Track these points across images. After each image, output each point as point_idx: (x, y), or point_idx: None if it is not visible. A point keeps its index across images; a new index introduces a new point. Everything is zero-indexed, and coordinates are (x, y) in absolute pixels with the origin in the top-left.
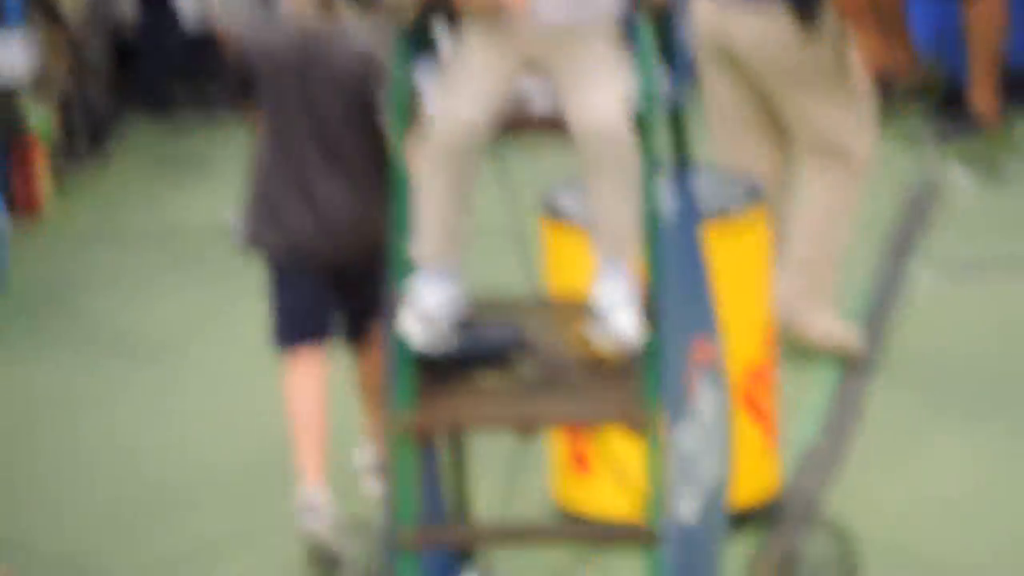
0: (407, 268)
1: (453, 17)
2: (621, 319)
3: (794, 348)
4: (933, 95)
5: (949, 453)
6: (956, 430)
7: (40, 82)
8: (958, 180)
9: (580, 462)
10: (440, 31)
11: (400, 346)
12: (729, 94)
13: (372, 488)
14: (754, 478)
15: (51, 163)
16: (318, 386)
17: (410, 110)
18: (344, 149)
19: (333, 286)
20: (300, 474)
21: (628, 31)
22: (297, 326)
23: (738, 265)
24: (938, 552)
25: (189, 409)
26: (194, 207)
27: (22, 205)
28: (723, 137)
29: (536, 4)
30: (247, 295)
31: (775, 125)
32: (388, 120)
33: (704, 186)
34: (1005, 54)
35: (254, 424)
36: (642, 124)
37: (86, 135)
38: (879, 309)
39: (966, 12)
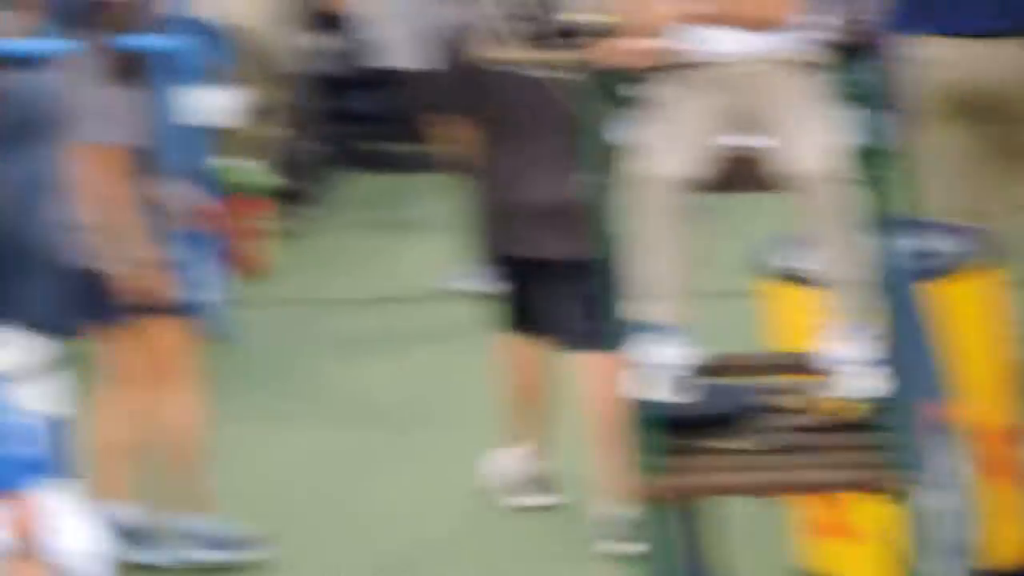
0: (628, 329)
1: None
2: (866, 380)
3: None
4: None
5: None
6: None
7: (257, 140)
8: None
9: (835, 528)
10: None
11: (643, 408)
12: (961, 142)
13: (521, 500)
14: (1011, 541)
15: (272, 223)
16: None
17: (606, 163)
18: (554, 154)
19: (549, 281)
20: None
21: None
22: (522, 317)
23: (973, 321)
24: None
25: (429, 476)
26: (414, 268)
27: (243, 266)
28: (943, 188)
29: (709, 46)
30: (474, 359)
31: (1010, 172)
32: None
33: (928, 240)
34: None
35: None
36: (869, 172)
37: (303, 194)
38: None
39: None
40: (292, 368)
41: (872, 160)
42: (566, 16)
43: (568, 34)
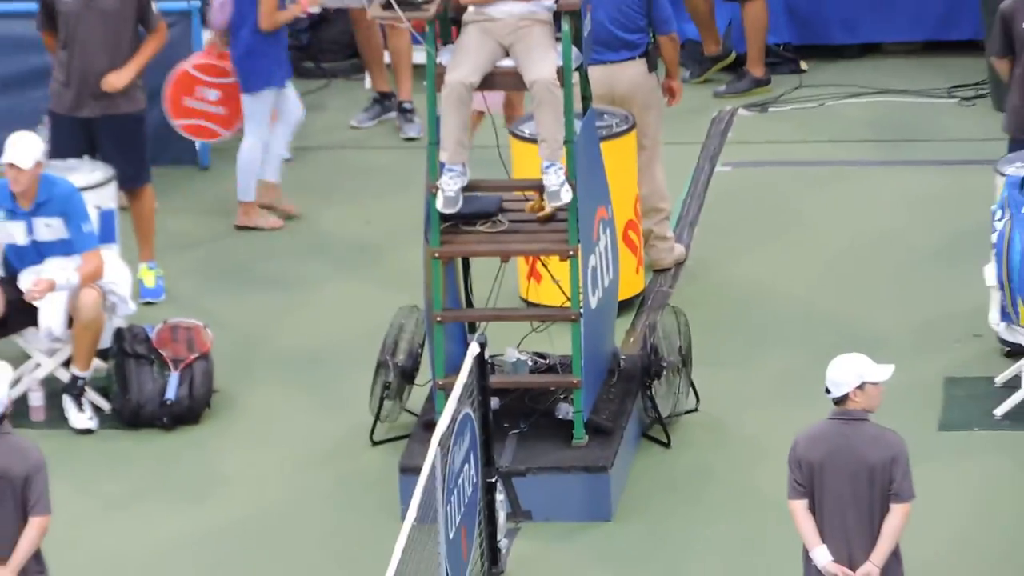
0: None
1: (459, 19)
2: (564, 193)
3: None
4: (728, 63)
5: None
6: None
7: None
8: (742, 112)
9: (534, 275)
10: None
11: (433, 209)
12: None
13: None
14: (630, 283)
15: None
16: None
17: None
18: None
19: None
20: None
21: (556, 23)
22: None
23: (618, 167)
24: None
25: None
26: None
27: None
28: None
29: (503, 8)
30: None
31: None
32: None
33: (600, 119)
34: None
35: None
36: (564, 80)
37: None
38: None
39: (744, 12)
40: None
41: (569, 73)
42: None
43: None
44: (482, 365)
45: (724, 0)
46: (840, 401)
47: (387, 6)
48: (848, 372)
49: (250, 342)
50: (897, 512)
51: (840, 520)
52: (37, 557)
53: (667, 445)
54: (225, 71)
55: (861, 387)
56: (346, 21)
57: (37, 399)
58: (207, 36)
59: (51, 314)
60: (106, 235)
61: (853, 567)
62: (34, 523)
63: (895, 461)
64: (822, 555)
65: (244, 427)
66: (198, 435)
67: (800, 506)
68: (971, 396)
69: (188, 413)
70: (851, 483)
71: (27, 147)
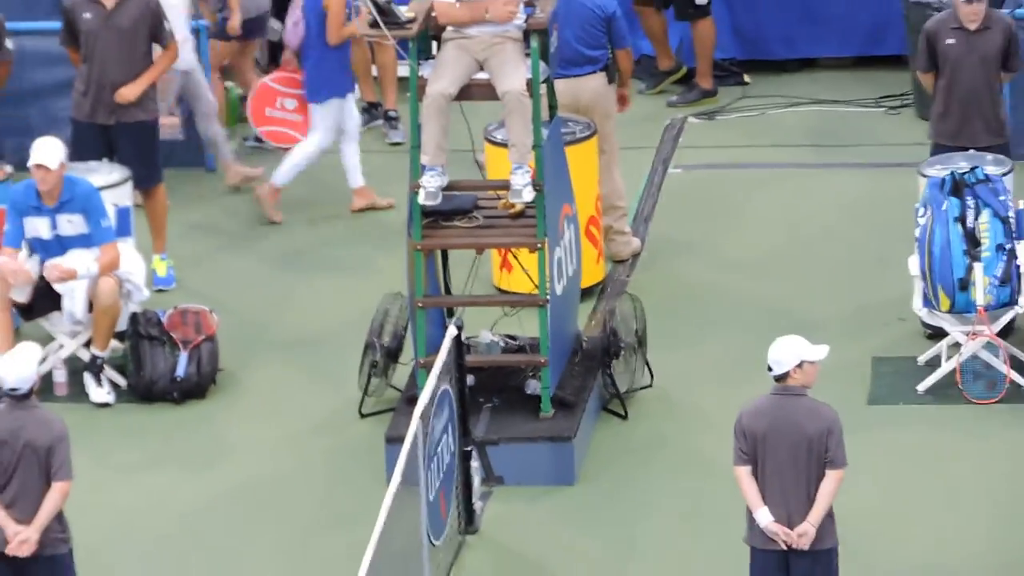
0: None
1: (439, 37)
2: (525, 192)
3: None
4: (679, 76)
5: None
6: None
7: None
8: (692, 120)
9: (506, 265)
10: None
11: (415, 206)
12: None
13: None
14: (591, 272)
15: None
16: None
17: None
18: None
19: None
20: None
21: (526, 41)
22: None
23: (581, 169)
24: None
25: None
26: None
27: None
28: None
29: (479, 29)
30: None
31: None
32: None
33: (564, 126)
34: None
35: None
36: (533, 91)
37: None
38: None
39: (694, 30)
40: None
41: (537, 85)
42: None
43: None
44: (459, 346)
45: (676, 20)
46: (781, 378)
47: (374, 25)
48: (788, 352)
49: (252, 326)
50: (831, 477)
51: (780, 485)
52: (60, 519)
53: (624, 417)
54: (300, 83)
55: (800, 365)
56: None
57: (61, 376)
58: (285, 55)
59: (73, 300)
60: (122, 229)
61: (791, 526)
62: (56, 488)
63: (830, 432)
64: (764, 516)
65: (246, 401)
66: (205, 409)
67: (744, 472)
68: (897, 373)
69: (196, 389)
70: (791, 452)
71: (52, 150)
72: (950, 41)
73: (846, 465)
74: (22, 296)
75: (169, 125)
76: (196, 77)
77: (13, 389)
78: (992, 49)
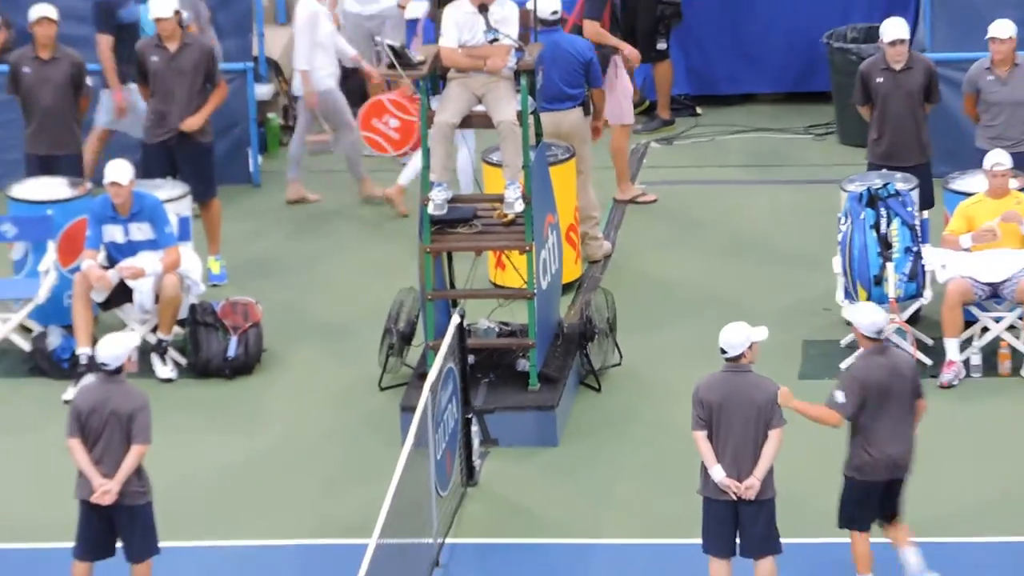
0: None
1: (444, 76)
2: (516, 204)
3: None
4: (643, 109)
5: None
6: None
7: None
8: (654, 145)
9: (500, 264)
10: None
11: (425, 215)
12: None
13: None
14: (570, 271)
15: None
16: None
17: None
18: None
19: None
20: None
21: (517, 80)
22: None
23: (561, 184)
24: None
25: None
26: None
27: None
28: None
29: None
30: None
31: None
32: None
33: (549, 150)
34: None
35: None
36: (522, 121)
37: None
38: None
39: (655, 71)
40: None
41: (526, 116)
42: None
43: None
44: (462, 331)
45: (640, 62)
46: (735, 359)
47: (391, 66)
48: (740, 336)
49: (290, 314)
50: (774, 437)
51: (732, 445)
52: (140, 475)
53: (598, 390)
54: (408, 110)
55: (750, 346)
56: (360, 77)
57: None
58: (403, 83)
59: (143, 294)
60: (183, 235)
61: (740, 480)
62: (134, 450)
63: (773, 401)
64: (718, 472)
65: (286, 377)
66: (251, 383)
67: (701, 435)
68: (823, 354)
69: (244, 367)
70: (742, 418)
71: (124, 170)
72: (880, 79)
73: (785, 423)
74: (100, 297)
75: (319, 141)
76: (334, 96)
77: (104, 364)
78: (915, 85)
